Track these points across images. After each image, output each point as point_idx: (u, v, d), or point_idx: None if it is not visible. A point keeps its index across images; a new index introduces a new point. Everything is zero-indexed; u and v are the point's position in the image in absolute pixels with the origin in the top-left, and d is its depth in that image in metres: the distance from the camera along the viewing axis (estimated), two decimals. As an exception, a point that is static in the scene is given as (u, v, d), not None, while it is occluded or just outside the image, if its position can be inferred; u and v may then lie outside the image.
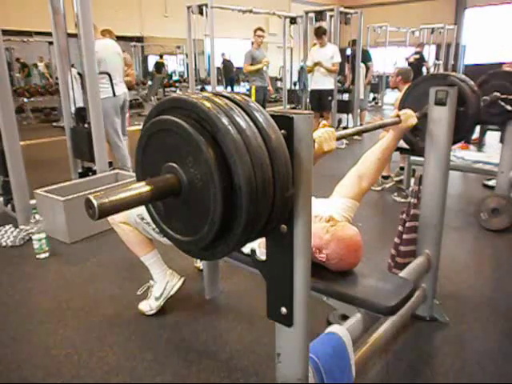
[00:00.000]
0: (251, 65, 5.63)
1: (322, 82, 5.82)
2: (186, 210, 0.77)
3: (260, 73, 5.79)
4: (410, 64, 7.77)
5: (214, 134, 0.69)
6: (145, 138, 0.80)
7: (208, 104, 0.71)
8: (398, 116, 1.65)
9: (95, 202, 0.63)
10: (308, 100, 6.55)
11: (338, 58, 5.73)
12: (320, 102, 5.87)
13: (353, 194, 1.71)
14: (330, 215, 1.55)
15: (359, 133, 1.48)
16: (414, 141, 1.87)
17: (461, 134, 1.77)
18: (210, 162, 0.68)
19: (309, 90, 6.42)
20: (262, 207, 0.71)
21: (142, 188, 0.70)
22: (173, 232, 0.83)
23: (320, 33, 5.72)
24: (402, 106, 1.82)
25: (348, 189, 1.72)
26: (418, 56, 8.30)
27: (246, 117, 0.72)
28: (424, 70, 8.52)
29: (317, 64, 5.71)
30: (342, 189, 1.74)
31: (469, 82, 1.76)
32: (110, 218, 1.90)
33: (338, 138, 1.17)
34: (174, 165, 0.74)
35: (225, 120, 0.69)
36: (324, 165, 5.61)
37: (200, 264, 2.36)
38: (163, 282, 1.98)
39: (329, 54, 5.68)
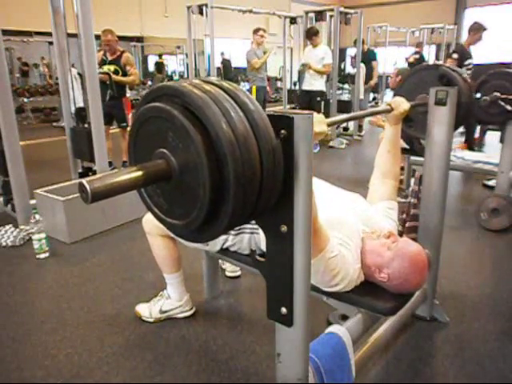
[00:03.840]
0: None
1: (311, 82, 5.81)
2: (177, 194, 0.79)
3: (261, 73, 5.81)
4: (409, 64, 7.77)
5: (201, 118, 0.71)
6: (137, 125, 0.81)
7: (195, 90, 0.72)
8: (389, 105, 1.63)
9: (88, 186, 0.64)
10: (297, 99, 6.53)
11: (329, 59, 5.72)
12: (310, 103, 5.87)
13: (387, 194, 1.68)
14: (390, 230, 1.47)
15: (350, 120, 1.48)
16: (412, 136, 1.87)
17: (455, 123, 1.77)
18: (198, 145, 0.69)
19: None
20: (249, 187, 0.73)
21: (134, 173, 0.71)
22: (165, 216, 0.84)
23: (310, 34, 5.70)
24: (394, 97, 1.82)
25: (381, 191, 1.69)
26: (417, 56, 8.30)
27: (233, 101, 0.73)
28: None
29: (305, 65, 5.71)
30: (376, 194, 1.70)
31: (460, 72, 1.76)
32: (146, 228, 1.83)
33: (329, 125, 1.17)
34: (165, 150, 0.76)
35: (212, 105, 0.70)
36: (324, 165, 5.57)
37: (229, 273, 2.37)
38: (176, 304, 1.95)
39: (319, 54, 5.66)
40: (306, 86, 5.90)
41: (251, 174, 0.72)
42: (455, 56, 4.41)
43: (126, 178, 0.70)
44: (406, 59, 8.66)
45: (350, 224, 1.47)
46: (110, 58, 4.42)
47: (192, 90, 0.72)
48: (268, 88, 6.21)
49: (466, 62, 4.36)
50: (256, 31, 5.71)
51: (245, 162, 0.70)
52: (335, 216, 1.47)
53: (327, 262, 1.28)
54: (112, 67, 4.39)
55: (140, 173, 0.71)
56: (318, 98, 5.88)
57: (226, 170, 0.70)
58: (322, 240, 1.25)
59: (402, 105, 1.63)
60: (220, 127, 0.69)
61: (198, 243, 1.66)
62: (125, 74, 4.44)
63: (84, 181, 0.65)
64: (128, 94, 4.79)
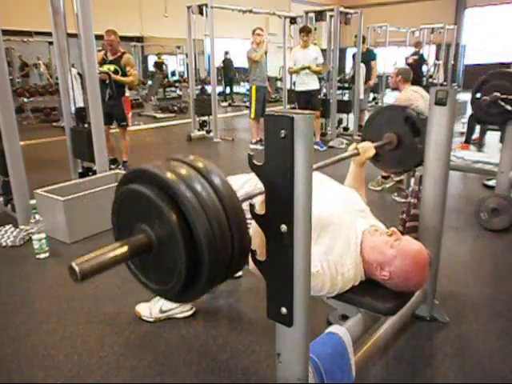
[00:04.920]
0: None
1: (308, 82, 5.83)
2: (156, 264, 0.85)
3: (261, 72, 5.82)
4: (408, 65, 7.76)
5: (174, 199, 0.77)
6: (118, 202, 0.88)
7: (168, 173, 0.78)
8: (357, 149, 1.74)
9: (77, 269, 0.70)
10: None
11: (321, 59, 5.79)
12: (309, 103, 5.88)
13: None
14: (392, 229, 1.46)
15: (325, 166, 1.43)
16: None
17: (409, 165, 1.91)
18: (173, 223, 0.76)
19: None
20: (221, 256, 0.80)
21: (120, 249, 0.78)
22: (148, 282, 0.91)
23: (306, 31, 5.71)
24: (364, 134, 1.97)
25: None
26: (416, 57, 8.28)
27: (203, 180, 0.79)
28: (424, 68, 8.47)
29: (305, 67, 5.71)
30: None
31: (424, 115, 1.79)
32: None
33: None
34: (145, 226, 0.82)
35: (183, 187, 0.76)
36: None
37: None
38: (176, 304, 1.94)
39: (313, 55, 5.70)
40: (302, 87, 5.92)
41: (224, 255, 0.80)
42: None
43: (112, 255, 0.76)
44: (406, 59, 8.64)
45: (346, 221, 1.47)
46: (110, 57, 4.44)
47: (173, 180, 0.77)
48: (269, 88, 6.20)
49: None
50: (253, 31, 5.77)
51: (218, 244, 0.77)
52: (326, 213, 1.45)
53: None
54: (112, 67, 4.39)
55: (125, 248, 0.78)
56: (318, 97, 5.91)
57: (201, 252, 0.77)
58: None
59: (369, 151, 1.75)
60: (199, 222, 0.75)
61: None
62: (124, 75, 4.46)
63: (73, 263, 0.70)
64: (127, 94, 4.79)
